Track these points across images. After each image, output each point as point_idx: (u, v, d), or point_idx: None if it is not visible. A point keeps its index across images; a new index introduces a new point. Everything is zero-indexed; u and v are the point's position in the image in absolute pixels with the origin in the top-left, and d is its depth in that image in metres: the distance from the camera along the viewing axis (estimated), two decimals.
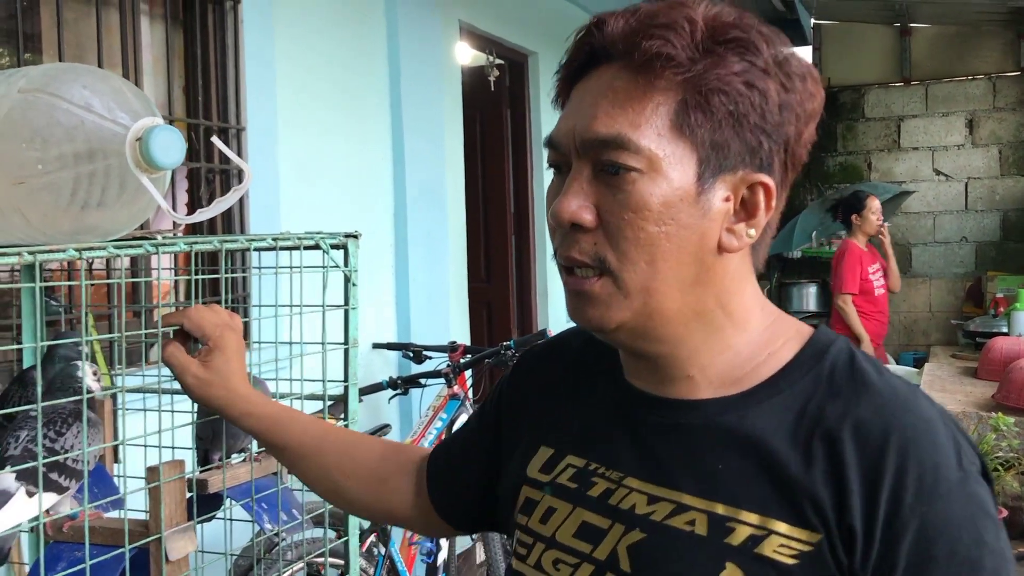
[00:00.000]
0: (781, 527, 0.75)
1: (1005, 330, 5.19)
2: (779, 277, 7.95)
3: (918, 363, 5.79)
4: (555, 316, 5.50)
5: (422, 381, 3.40)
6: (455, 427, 3.36)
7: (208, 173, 3.08)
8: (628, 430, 0.86)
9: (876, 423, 0.76)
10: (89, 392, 1.32)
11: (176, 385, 1.12)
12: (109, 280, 2.49)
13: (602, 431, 0.88)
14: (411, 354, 3.70)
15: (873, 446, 0.74)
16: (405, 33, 4.03)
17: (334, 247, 1.49)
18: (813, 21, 7.65)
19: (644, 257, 0.78)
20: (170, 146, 1.11)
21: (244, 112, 3.17)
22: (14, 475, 1.26)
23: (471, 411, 3.41)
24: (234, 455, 1.58)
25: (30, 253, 1.08)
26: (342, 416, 1.57)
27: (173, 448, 1.43)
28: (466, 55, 5.00)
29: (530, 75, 5.40)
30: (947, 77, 7.79)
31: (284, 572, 2.12)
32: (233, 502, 1.55)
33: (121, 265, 1.50)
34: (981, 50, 7.66)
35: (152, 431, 1.42)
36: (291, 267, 1.46)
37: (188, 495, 1.43)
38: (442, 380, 3.44)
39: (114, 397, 1.67)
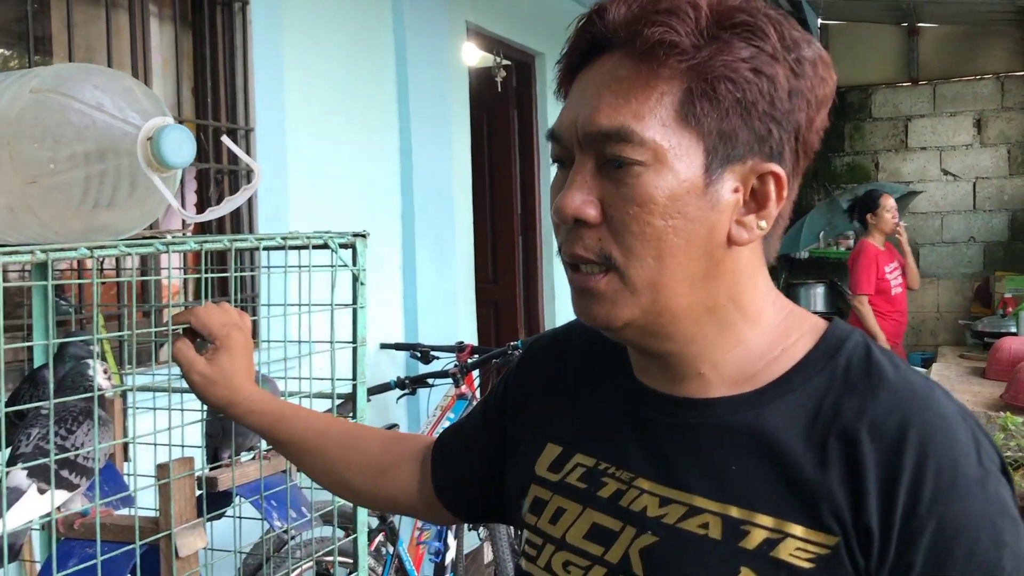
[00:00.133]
0: (797, 530, 0.73)
1: (1013, 330, 5.18)
2: (786, 278, 7.93)
3: (926, 363, 5.78)
4: (562, 316, 5.50)
5: (429, 381, 3.40)
6: None
7: (217, 174, 3.09)
8: (637, 429, 0.84)
9: (893, 420, 0.73)
10: (100, 390, 1.34)
11: (185, 384, 1.13)
12: (119, 279, 2.51)
13: (611, 430, 0.86)
14: (418, 354, 3.71)
15: (890, 444, 0.72)
16: (412, 34, 4.04)
17: (342, 246, 1.50)
18: (820, 21, 7.63)
19: (651, 252, 0.76)
20: (181, 145, 1.12)
21: (253, 113, 3.18)
22: (26, 472, 1.27)
23: None
24: (243, 453, 1.59)
25: (42, 251, 1.09)
26: (351, 415, 1.58)
27: (183, 446, 1.44)
28: (473, 56, 5.00)
29: (537, 76, 5.41)
30: (955, 77, 7.77)
31: (293, 570, 2.13)
32: (242, 500, 1.56)
33: (132, 264, 1.51)
34: (989, 49, 7.64)
35: (162, 429, 1.43)
36: (300, 266, 1.47)
37: (198, 492, 1.44)
38: (449, 380, 3.45)
39: (124, 395, 1.68)
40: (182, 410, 1.50)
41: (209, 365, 1.10)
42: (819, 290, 7.79)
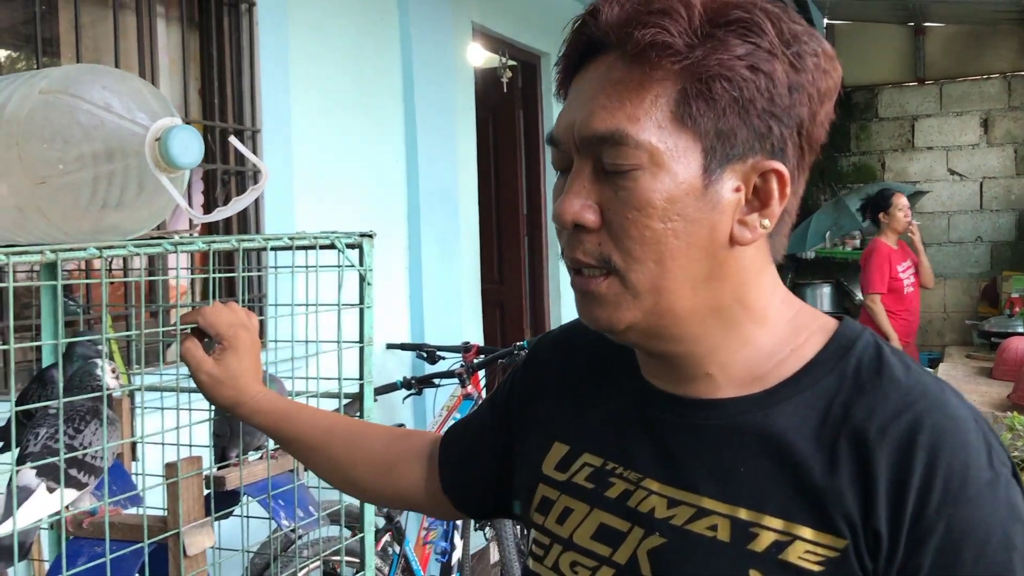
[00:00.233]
0: (806, 533, 0.73)
1: (1020, 330, 5.17)
2: (793, 278, 7.92)
3: (932, 363, 5.77)
4: (568, 316, 5.50)
5: (436, 381, 3.41)
6: None
7: (224, 174, 3.10)
8: (645, 429, 0.83)
9: (903, 421, 0.72)
10: (108, 390, 1.34)
11: (193, 383, 1.14)
12: (127, 279, 2.51)
13: (619, 430, 0.85)
14: (425, 354, 3.72)
15: (900, 446, 0.72)
16: (418, 35, 4.05)
17: (349, 246, 1.50)
18: (826, 21, 7.63)
19: (651, 256, 0.75)
20: (189, 146, 1.12)
21: (259, 114, 3.19)
22: (35, 471, 1.27)
23: None
24: (251, 452, 1.60)
25: (52, 251, 1.09)
26: (357, 414, 1.58)
27: (191, 445, 1.45)
28: (479, 56, 5.01)
29: (543, 76, 5.41)
30: (961, 76, 7.75)
31: (300, 570, 2.13)
32: (250, 499, 1.57)
33: (141, 264, 1.52)
34: (996, 49, 7.62)
35: (170, 428, 1.43)
36: (307, 266, 1.48)
37: (206, 492, 1.45)
38: (456, 380, 3.45)
39: (132, 395, 1.69)
40: (190, 409, 1.50)
41: (217, 365, 1.10)
42: (825, 290, 7.77)
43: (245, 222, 3.16)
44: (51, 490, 1.27)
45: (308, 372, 1.57)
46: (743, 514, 0.75)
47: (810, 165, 0.80)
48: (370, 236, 1.54)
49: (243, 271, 1.43)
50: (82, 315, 2.37)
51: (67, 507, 1.30)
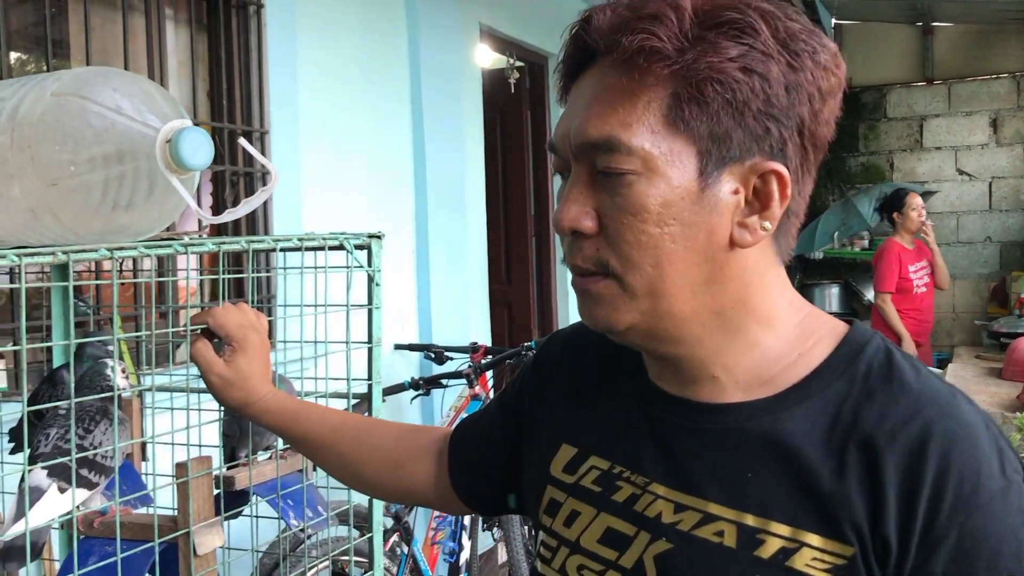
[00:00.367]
0: (814, 540, 0.72)
1: None
2: (801, 278, 7.91)
3: (942, 364, 5.74)
4: (576, 316, 5.47)
5: (444, 382, 3.41)
6: None
7: (232, 176, 3.11)
8: (653, 433, 0.83)
9: (914, 428, 0.72)
10: (118, 390, 1.35)
11: (202, 384, 1.15)
12: (137, 280, 2.53)
13: (626, 433, 0.85)
14: (432, 355, 3.72)
15: (911, 452, 0.71)
16: (426, 36, 4.05)
17: (358, 247, 1.51)
18: (834, 21, 7.60)
19: (648, 260, 0.75)
20: (199, 147, 1.13)
21: (267, 115, 3.20)
22: (46, 472, 1.28)
23: None
24: (260, 452, 1.60)
25: (63, 253, 1.10)
26: (366, 415, 1.59)
27: (200, 445, 1.45)
28: (486, 57, 5.01)
29: (550, 77, 5.42)
30: (970, 76, 7.72)
31: (309, 569, 2.14)
32: (259, 499, 1.58)
33: (151, 266, 1.53)
34: (1005, 48, 7.59)
35: (179, 428, 1.44)
36: (315, 267, 1.48)
37: (215, 491, 1.46)
38: (463, 381, 3.46)
39: (142, 395, 1.69)
40: (199, 410, 1.51)
41: (227, 367, 1.11)
42: (834, 291, 7.76)
43: (254, 223, 3.17)
44: (62, 490, 1.28)
45: (317, 372, 1.58)
46: (750, 520, 0.75)
47: (818, 164, 0.79)
48: (378, 237, 1.54)
49: (252, 272, 1.44)
50: (92, 316, 2.38)
51: (78, 507, 1.31)
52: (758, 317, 0.79)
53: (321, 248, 1.46)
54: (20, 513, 1.24)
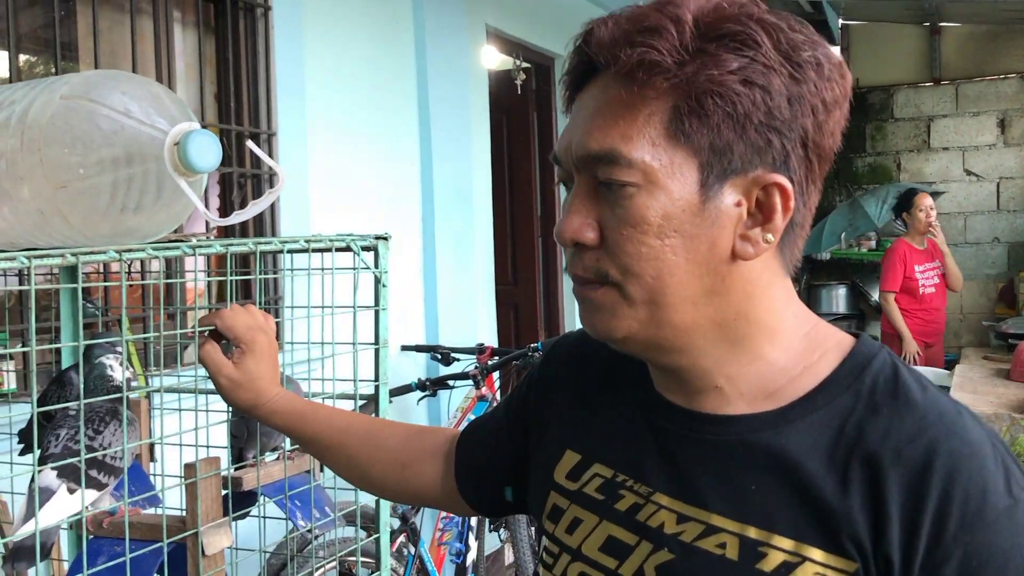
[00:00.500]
0: (816, 554, 0.72)
1: None
2: (808, 279, 7.89)
3: (949, 365, 5.73)
4: None
5: (450, 383, 3.42)
6: None
7: (240, 177, 3.12)
8: (657, 442, 0.83)
9: (919, 445, 0.72)
10: (123, 386, 1.36)
11: (210, 385, 1.15)
12: (145, 281, 2.54)
13: (630, 442, 0.85)
14: (439, 356, 3.73)
15: (916, 471, 0.71)
16: (433, 37, 4.06)
17: (365, 249, 1.51)
18: (841, 22, 7.59)
19: (649, 271, 0.75)
20: (207, 150, 1.13)
21: (275, 117, 3.21)
22: (55, 473, 1.29)
23: None
24: (268, 453, 1.61)
25: (72, 255, 1.11)
26: (373, 415, 1.59)
27: (208, 446, 1.46)
28: (493, 59, 5.02)
29: (556, 78, 5.42)
30: (978, 76, 7.70)
31: (316, 570, 2.15)
32: (267, 499, 1.58)
33: (160, 267, 1.53)
34: (1012, 49, 7.57)
35: (187, 429, 1.45)
36: (322, 268, 1.49)
37: (223, 492, 1.46)
38: (470, 382, 3.46)
39: (150, 397, 1.70)
40: (207, 411, 1.52)
41: (235, 369, 1.11)
42: (841, 291, 7.73)
43: (261, 225, 3.18)
44: (72, 491, 1.29)
45: (324, 373, 1.58)
46: (753, 533, 0.75)
47: (823, 175, 0.79)
48: (385, 238, 1.55)
49: (260, 274, 1.44)
50: (100, 317, 2.39)
51: (87, 507, 1.32)
52: (762, 329, 0.79)
53: (328, 250, 1.46)
54: (30, 514, 1.25)
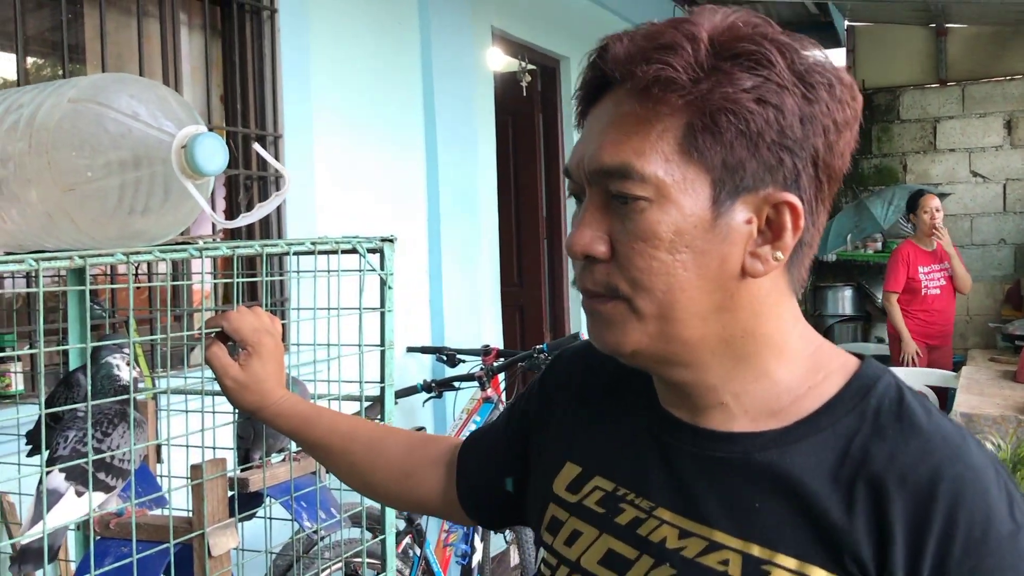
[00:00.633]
0: (819, 574, 0.72)
1: None
2: (814, 281, 7.89)
3: (957, 367, 5.72)
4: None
5: (456, 384, 3.42)
6: None
7: (246, 180, 3.13)
8: (660, 457, 0.83)
9: (924, 470, 0.72)
10: (130, 387, 1.36)
11: (217, 386, 1.16)
12: (152, 283, 2.55)
13: (632, 455, 0.85)
14: (445, 358, 3.73)
15: (920, 495, 0.71)
16: (438, 39, 4.07)
17: (371, 251, 1.52)
18: (847, 23, 7.59)
19: (659, 285, 0.75)
20: (214, 153, 1.14)
21: (281, 120, 3.21)
22: (63, 475, 1.29)
23: None
24: (274, 454, 1.62)
25: (80, 257, 1.11)
26: (379, 417, 1.60)
27: (215, 448, 1.46)
28: (498, 61, 5.02)
29: (562, 80, 5.43)
30: (984, 77, 7.69)
31: (322, 571, 2.15)
32: (273, 500, 1.59)
33: (167, 269, 1.54)
34: (1019, 50, 7.55)
35: (194, 431, 1.45)
36: (328, 271, 1.49)
37: (230, 493, 1.47)
38: (476, 383, 3.46)
39: (156, 398, 1.71)
40: (214, 412, 1.52)
41: (242, 371, 1.12)
42: (847, 293, 7.73)
43: (267, 227, 3.19)
44: (79, 494, 1.29)
45: (330, 375, 1.59)
46: (756, 551, 0.75)
47: (832, 196, 0.79)
48: (391, 240, 1.55)
49: (266, 276, 1.45)
50: (108, 319, 2.40)
51: (94, 509, 1.32)
52: (769, 347, 0.79)
53: (334, 252, 1.47)
54: (38, 516, 1.26)
